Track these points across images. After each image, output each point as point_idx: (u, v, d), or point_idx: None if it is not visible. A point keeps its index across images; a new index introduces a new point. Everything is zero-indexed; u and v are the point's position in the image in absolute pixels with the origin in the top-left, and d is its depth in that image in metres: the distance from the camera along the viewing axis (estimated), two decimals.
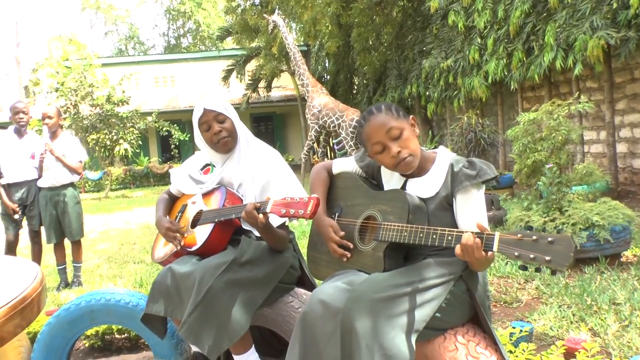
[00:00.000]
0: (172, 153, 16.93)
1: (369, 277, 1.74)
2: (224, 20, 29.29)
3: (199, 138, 2.43)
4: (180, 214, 2.49)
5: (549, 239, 1.38)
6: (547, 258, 1.36)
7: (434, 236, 1.66)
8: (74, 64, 15.11)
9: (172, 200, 2.65)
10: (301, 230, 6.26)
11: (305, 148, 12.97)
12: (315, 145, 14.16)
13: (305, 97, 12.95)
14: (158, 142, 21.71)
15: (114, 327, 3.10)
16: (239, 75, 18.96)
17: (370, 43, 15.27)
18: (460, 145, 8.61)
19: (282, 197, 1.94)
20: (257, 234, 2.32)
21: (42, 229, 4.91)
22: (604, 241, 3.84)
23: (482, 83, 9.61)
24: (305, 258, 2.38)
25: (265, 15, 15.28)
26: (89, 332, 3.09)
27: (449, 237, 1.62)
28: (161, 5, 39.28)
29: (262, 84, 19.15)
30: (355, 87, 18.10)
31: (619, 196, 6.90)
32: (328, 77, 20.14)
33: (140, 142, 16.20)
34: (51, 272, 5.47)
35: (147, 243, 6.91)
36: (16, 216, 4.70)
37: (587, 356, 2.09)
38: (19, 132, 4.79)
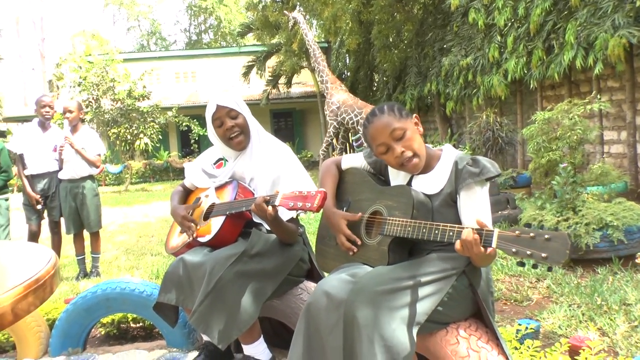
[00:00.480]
0: (192, 148, 17.06)
1: (372, 270, 1.78)
2: (245, 17, 29.43)
3: (212, 133, 2.48)
4: (194, 205, 2.56)
5: (546, 236, 1.40)
6: (544, 255, 1.38)
7: (436, 231, 1.69)
8: (96, 59, 15.31)
9: (187, 193, 2.72)
10: (314, 228, 6.31)
11: (324, 144, 13.02)
12: (334, 141, 14.21)
13: (325, 94, 12.99)
14: (178, 137, 21.92)
15: (129, 316, 3.18)
16: (260, 72, 19.07)
17: (391, 40, 15.23)
18: (478, 144, 8.59)
19: (291, 191, 1.99)
20: (268, 227, 2.38)
21: (62, 220, 5.03)
22: (617, 242, 3.82)
23: (502, 81, 9.54)
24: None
25: (285, 11, 15.35)
26: (105, 320, 3.17)
27: (450, 233, 1.66)
28: (183, 2, 39.67)
29: (282, 80, 19.24)
30: (375, 84, 18.07)
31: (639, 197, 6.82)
32: (348, 74, 20.15)
33: (160, 136, 16.35)
34: (71, 262, 5.61)
35: (164, 236, 7.01)
36: (38, 206, 4.82)
37: (591, 354, 2.10)
38: (43, 125, 4.91)
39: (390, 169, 2.04)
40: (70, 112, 4.86)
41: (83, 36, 32.08)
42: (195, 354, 2.63)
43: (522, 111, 10.33)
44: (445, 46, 12.15)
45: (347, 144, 15.79)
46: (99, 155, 4.99)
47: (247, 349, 2.35)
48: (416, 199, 1.82)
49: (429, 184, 1.88)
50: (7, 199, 4.76)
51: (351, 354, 1.63)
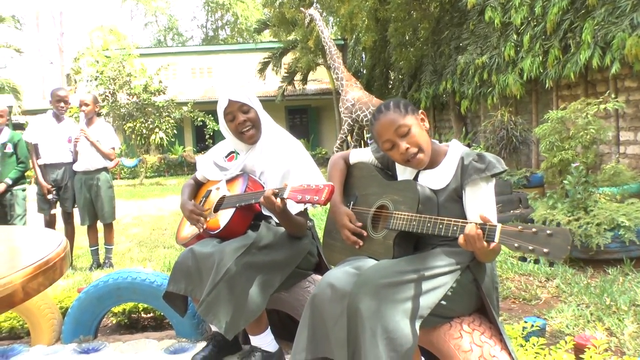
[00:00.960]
0: (207, 143, 17.16)
1: (377, 263, 1.80)
2: (261, 13, 29.52)
3: (224, 127, 2.51)
4: (204, 199, 2.60)
5: (548, 231, 1.41)
6: (545, 250, 1.39)
7: (441, 226, 1.71)
8: (113, 53, 15.47)
9: (198, 186, 2.76)
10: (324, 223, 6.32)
11: (338, 141, 13.04)
12: (348, 138, 14.23)
13: (340, 91, 13.01)
14: (193, 132, 22.05)
15: (140, 306, 3.23)
16: (275, 68, 19.15)
17: (407, 38, 15.21)
18: (492, 143, 8.56)
19: (300, 184, 2.02)
20: (277, 220, 2.41)
21: (75, 210, 5.11)
22: (629, 243, 3.80)
23: (517, 80, 9.48)
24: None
25: (302, 8, 15.38)
26: (116, 310, 3.22)
27: (454, 228, 1.67)
28: None
29: (297, 77, 19.28)
30: (391, 82, 18.05)
31: None
32: (364, 71, 20.14)
33: (175, 131, 16.48)
34: (85, 253, 5.69)
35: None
36: (49, 196, 4.89)
37: (596, 352, 2.10)
38: (57, 116, 4.99)
39: (397, 163, 2.06)
40: (86, 105, 4.94)
41: (101, 31, 32.36)
42: (203, 344, 2.67)
43: (538, 111, 10.25)
44: (461, 44, 12.10)
45: (362, 141, 15.79)
46: (114, 148, 5.07)
47: (254, 340, 2.38)
48: (422, 193, 1.83)
49: (435, 179, 1.90)
50: (24, 190, 4.85)
51: (355, 345, 1.65)
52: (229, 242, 2.27)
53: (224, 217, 2.36)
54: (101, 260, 5.15)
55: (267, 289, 2.25)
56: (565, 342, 2.23)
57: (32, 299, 2.81)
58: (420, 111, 1.94)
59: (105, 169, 5.03)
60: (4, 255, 1.26)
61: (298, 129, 21.88)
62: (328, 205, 2.14)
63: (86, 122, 4.97)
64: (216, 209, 2.46)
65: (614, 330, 2.78)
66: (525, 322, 2.52)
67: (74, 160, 4.95)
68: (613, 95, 5.82)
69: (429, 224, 1.74)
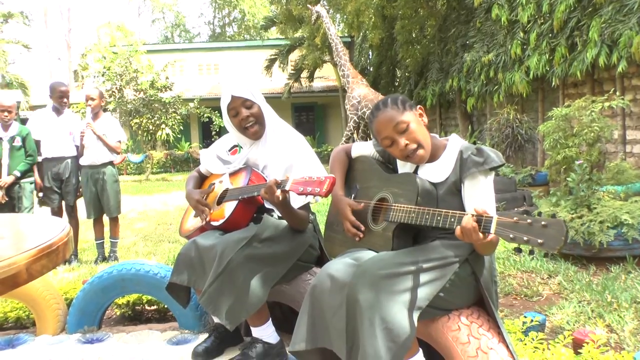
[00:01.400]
0: (213, 139, 17.14)
1: (376, 254, 1.83)
2: (268, 10, 29.54)
3: (227, 122, 2.53)
4: (207, 191, 2.62)
5: (543, 222, 1.43)
6: (540, 241, 1.41)
7: (439, 218, 1.73)
8: (120, 49, 15.55)
9: (202, 178, 2.78)
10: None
11: (344, 138, 13.05)
12: (354, 135, 14.25)
13: (346, 88, 13.02)
14: (199, 128, 22.11)
15: (144, 298, 3.27)
16: (282, 65, 19.16)
17: (414, 36, 15.19)
18: (497, 141, 8.55)
19: (301, 176, 2.04)
20: (279, 213, 2.43)
21: (78, 203, 5.15)
22: (632, 240, 3.80)
23: (523, 78, 9.46)
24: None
25: (309, 5, 15.38)
26: (120, 302, 3.26)
27: (452, 219, 1.69)
28: None
29: (304, 74, 19.29)
30: (397, 80, 18.03)
31: None
32: (371, 69, 20.12)
33: (181, 127, 16.55)
34: (90, 246, 5.74)
35: None
36: (40, 194, 4.94)
37: (594, 347, 2.12)
38: (57, 110, 5.03)
39: None
40: (93, 99, 4.98)
41: (108, 28, 32.53)
42: (205, 336, 2.70)
43: (544, 109, 10.22)
44: (467, 42, 12.08)
45: (368, 139, 15.78)
46: (120, 142, 5.11)
47: (256, 332, 2.41)
48: (421, 186, 1.85)
49: (434, 173, 1.92)
50: (31, 183, 4.90)
51: (353, 335, 1.67)
52: (232, 234, 2.29)
53: (227, 209, 2.39)
54: (106, 254, 5.20)
55: (269, 281, 2.27)
56: (564, 336, 2.24)
57: (38, 289, 2.87)
58: (418, 106, 1.95)
59: (111, 163, 5.07)
60: (10, 239, 1.29)
61: (304, 126, 21.89)
62: (330, 199, 2.16)
63: (92, 117, 5.01)
64: (219, 202, 2.49)
65: (614, 327, 2.79)
66: (525, 317, 2.53)
67: (80, 154, 5.00)
68: (618, 93, 5.80)
69: (427, 216, 1.76)
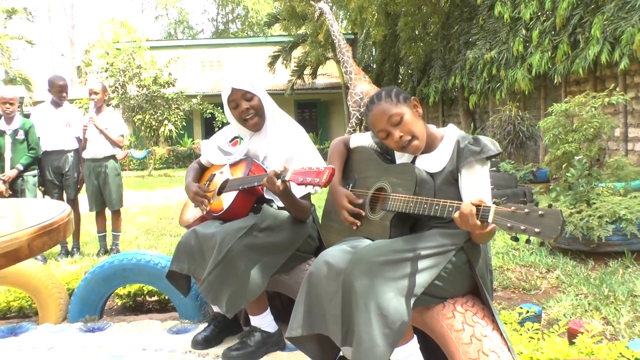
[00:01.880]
0: None
1: (373, 242, 1.85)
2: (272, 7, 29.54)
3: (228, 114, 2.57)
4: (208, 182, 2.65)
5: (540, 212, 1.45)
6: (537, 230, 1.43)
7: (437, 207, 1.75)
8: (123, 45, 15.58)
9: (202, 170, 2.81)
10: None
11: (346, 135, 13.08)
12: (356, 132, 14.28)
13: (348, 85, 13.05)
14: (202, 125, 22.16)
15: (145, 289, 3.30)
16: (285, 62, 19.18)
17: (417, 33, 15.20)
18: (499, 138, 8.56)
19: (301, 167, 2.07)
20: (279, 203, 2.46)
21: (79, 197, 5.19)
22: (630, 235, 3.81)
23: (526, 76, 9.48)
24: None
25: (312, 2, 15.39)
26: (121, 293, 3.29)
27: (450, 208, 1.71)
28: None
29: (307, 71, 19.31)
30: (400, 77, 18.05)
31: None
32: (374, 65, 20.14)
33: (184, 123, 16.60)
34: (92, 239, 5.78)
35: None
36: (41, 188, 4.99)
37: (588, 337, 2.14)
38: (56, 103, 5.06)
39: None
40: (96, 93, 5.01)
41: (112, 24, 32.56)
42: (205, 325, 2.73)
43: (546, 106, 10.21)
44: (470, 39, 12.10)
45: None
46: (122, 136, 5.13)
47: (254, 320, 2.44)
48: (419, 176, 1.87)
49: (431, 163, 1.94)
50: (35, 175, 4.93)
51: (349, 321, 1.70)
52: (231, 223, 2.33)
53: (227, 200, 2.42)
54: (108, 247, 5.23)
55: (268, 270, 2.30)
56: (559, 327, 2.26)
57: (40, 279, 2.90)
58: (412, 98, 1.98)
59: (113, 157, 5.10)
60: (12, 219, 1.33)
61: (307, 123, 21.91)
62: (328, 188, 2.19)
63: (95, 111, 5.03)
64: (219, 192, 2.52)
65: (610, 320, 2.80)
66: (521, 308, 2.55)
67: (82, 148, 5.03)
68: (617, 89, 5.81)
69: (425, 205, 1.78)
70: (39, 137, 4.96)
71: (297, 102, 22.66)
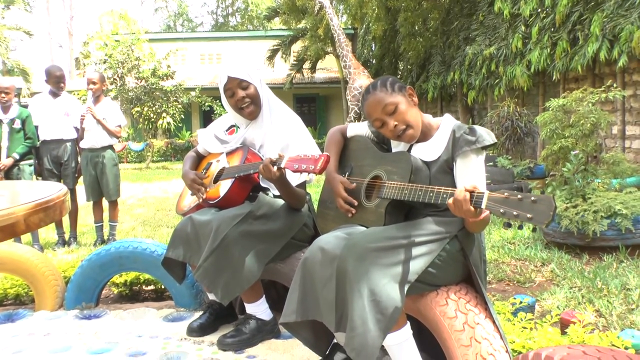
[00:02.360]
0: None
1: (368, 229, 1.86)
2: (272, 1, 29.48)
3: (225, 102, 2.58)
4: (205, 170, 2.66)
5: (532, 198, 1.46)
6: (529, 215, 1.44)
7: (431, 194, 1.76)
8: (122, 37, 15.54)
9: (199, 158, 2.82)
10: None
11: None
12: None
13: (347, 79, 13.03)
14: (200, 117, 22.14)
15: (141, 278, 3.31)
16: (284, 56, 19.13)
17: (416, 28, 15.17)
18: (496, 133, 8.57)
19: (297, 154, 2.08)
20: (275, 192, 2.47)
21: (77, 188, 5.19)
22: (625, 230, 3.83)
23: (524, 72, 9.47)
24: None
25: None
26: (118, 281, 3.30)
27: (444, 195, 1.72)
28: None
29: (306, 65, 19.26)
30: (400, 73, 18.02)
31: None
32: (373, 61, 20.09)
33: (182, 116, 16.58)
34: (89, 230, 5.79)
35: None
36: (38, 178, 5.00)
37: (580, 326, 2.16)
38: (54, 93, 5.06)
39: None
40: (94, 83, 5.01)
41: (111, 16, 32.47)
42: (200, 313, 2.74)
43: (544, 103, 10.22)
44: (470, 35, 12.08)
45: None
46: (119, 126, 5.13)
47: (249, 308, 2.45)
48: (414, 164, 1.88)
49: (427, 152, 1.95)
50: (31, 165, 4.94)
51: (343, 307, 1.71)
52: (227, 210, 2.34)
53: (223, 187, 2.43)
54: (105, 237, 5.24)
55: (263, 258, 2.31)
56: (551, 316, 2.28)
57: (37, 266, 2.91)
58: (407, 87, 1.98)
59: (110, 147, 5.10)
60: (9, 197, 1.34)
61: (306, 117, 21.85)
62: (324, 176, 2.20)
63: (93, 100, 5.03)
64: (216, 180, 2.53)
65: (603, 312, 2.82)
66: (515, 298, 2.57)
67: (80, 138, 5.03)
68: (616, 86, 5.82)
69: (420, 192, 1.79)
70: (36, 127, 4.96)
71: (296, 96, 22.63)
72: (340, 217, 2.13)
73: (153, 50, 15.77)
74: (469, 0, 12.40)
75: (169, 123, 15.91)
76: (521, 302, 2.50)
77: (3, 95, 4.72)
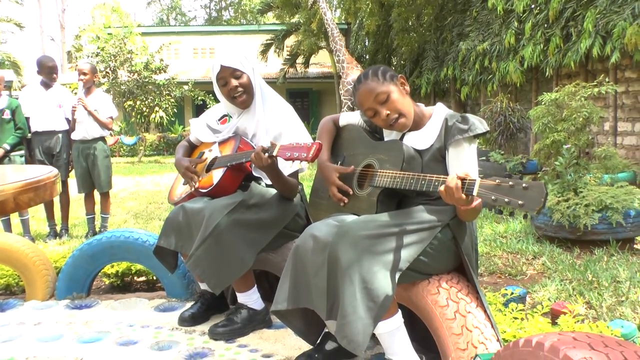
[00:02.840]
0: None
1: (360, 217, 1.86)
2: None
3: (217, 92, 2.56)
4: (197, 160, 2.65)
5: (524, 185, 1.46)
6: (520, 202, 1.44)
7: (423, 182, 1.76)
8: (115, 31, 15.43)
9: (192, 148, 2.81)
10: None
11: None
12: None
13: (340, 73, 13.03)
14: (193, 111, 22.03)
15: (133, 268, 3.30)
16: (278, 50, 19.07)
17: (410, 23, 15.19)
18: (489, 129, 8.59)
19: (289, 142, 2.07)
20: (267, 181, 2.46)
21: (69, 180, 5.16)
22: (616, 224, 3.85)
23: (517, 68, 9.51)
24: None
25: None
26: (109, 272, 3.28)
27: (436, 183, 1.72)
28: None
29: (299, 59, 19.20)
30: (393, 68, 18.02)
31: None
32: (367, 56, 20.10)
33: (175, 110, 16.50)
34: (81, 222, 5.76)
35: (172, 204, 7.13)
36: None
37: (570, 317, 2.17)
38: (46, 84, 5.02)
39: None
40: (85, 74, 4.97)
41: (103, 9, 32.24)
42: (192, 303, 2.73)
43: (537, 99, 10.27)
44: (463, 31, 12.10)
45: None
46: (111, 118, 5.10)
47: (241, 297, 2.45)
48: (407, 152, 1.89)
49: (419, 140, 1.95)
50: (22, 155, 4.90)
51: (334, 295, 1.71)
52: (219, 199, 2.33)
53: (215, 176, 2.42)
54: (97, 229, 5.21)
55: (255, 247, 2.31)
56: (542, 307, 2.29)
57: (28, 255, 2.89)
58: (399, 76, 1.98)
59: (102, 139, 5.07)
60: None
61: (299, 112, 21.01)
62: (316, 165, 2.19)
63: (84, 92, 5.00)
64: (208, 169, 2.52)
65: (594, 304, 2.84)
66: (506, 289, 2.58)
67: (72, 129, 4.99)
68: (607, 80, 5.85)
69: (412, 180, 1.79)
70: (27, 118, 4.92)
71: (289, 91, 22.57)
72: (332, 206, 2.13)
73: (146, 43, 15.67)
74: None
75: (161, 117, 15.84)
76: (512, 293, 2.51)
77: None
